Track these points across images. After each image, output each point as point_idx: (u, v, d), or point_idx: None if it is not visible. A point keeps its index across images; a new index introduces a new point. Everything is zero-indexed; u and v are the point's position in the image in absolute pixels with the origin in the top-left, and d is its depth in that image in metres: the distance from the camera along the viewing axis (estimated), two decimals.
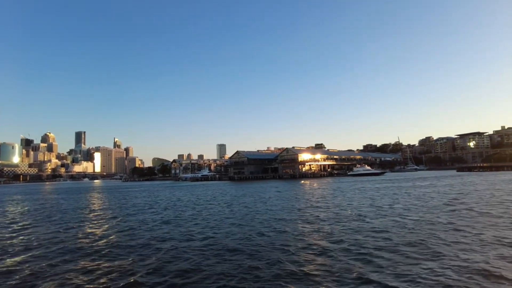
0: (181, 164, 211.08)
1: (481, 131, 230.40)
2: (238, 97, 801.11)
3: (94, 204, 41.03)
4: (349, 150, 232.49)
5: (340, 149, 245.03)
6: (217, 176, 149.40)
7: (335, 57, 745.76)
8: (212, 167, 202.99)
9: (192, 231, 18.29)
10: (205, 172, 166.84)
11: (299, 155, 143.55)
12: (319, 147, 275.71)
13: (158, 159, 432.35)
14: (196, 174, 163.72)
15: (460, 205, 25.34)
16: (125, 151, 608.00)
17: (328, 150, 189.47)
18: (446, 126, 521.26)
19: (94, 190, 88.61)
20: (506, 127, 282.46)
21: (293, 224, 19.51)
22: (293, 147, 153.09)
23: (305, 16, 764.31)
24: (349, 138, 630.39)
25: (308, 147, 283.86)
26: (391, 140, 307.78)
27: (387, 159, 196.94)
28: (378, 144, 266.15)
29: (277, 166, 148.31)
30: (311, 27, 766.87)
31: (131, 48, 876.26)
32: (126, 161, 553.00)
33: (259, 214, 24.53)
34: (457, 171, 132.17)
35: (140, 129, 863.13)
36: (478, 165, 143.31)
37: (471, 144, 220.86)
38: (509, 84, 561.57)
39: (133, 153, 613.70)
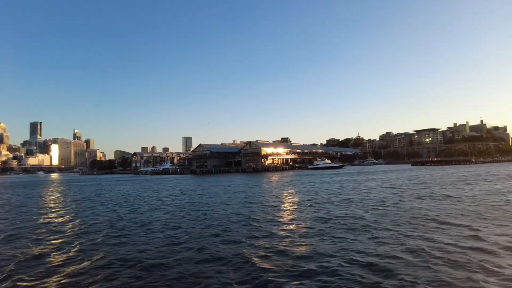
0: (142, 157, 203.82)
1: (437, 127, 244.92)
2: (205, 89, 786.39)
3: None
4: (312, 144, 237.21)
5: (305, 143, 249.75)
6: (178, 169, 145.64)
7: (303, 53, 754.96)
8: (175, 161, 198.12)
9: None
10: (167, 165, 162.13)
11: (263, 148, 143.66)
12: (284, 141, 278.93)
13: (121, 151, 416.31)
14: (157, 168, 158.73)
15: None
16: (85, 143, 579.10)
17: (291, 144, 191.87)
18: (406, 122, 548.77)
19: (30, 185, 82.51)
20: (457, 124, 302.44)
21: (223, 214, 18.36)
22: (257, 141, 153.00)
23: (273, 9, 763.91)
24: (314, 133, 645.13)
25: (275, 141, 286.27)
26: (354, 135, 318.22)
27: (347, 153, 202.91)
28: (341, 139, 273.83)
29: (240, 160, 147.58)
30: (279, 20, 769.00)
31: (95, 31, 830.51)
32: (86, 154, 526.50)
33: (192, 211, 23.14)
34: (412, 165, 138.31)
35: (103, 121, 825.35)
36: (430, 159, 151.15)
37: (427, 139, 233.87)
38: (464, 83, 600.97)
39: (94, 146, 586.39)
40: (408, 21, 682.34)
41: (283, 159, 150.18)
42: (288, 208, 23.13)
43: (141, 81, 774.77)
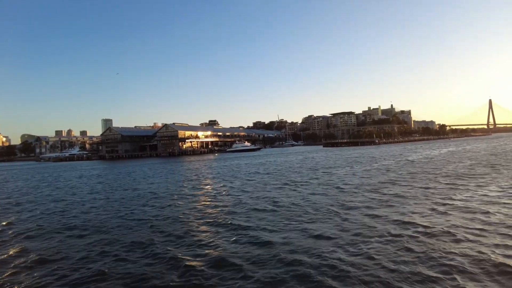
0: (47, 142, 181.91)
1: (356, 111, 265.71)
2: (127, 67, 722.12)
3: None
4: (239, 127, 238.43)
5: (233, 126, 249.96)
6: (84, 155, 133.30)
7: (232, 36, 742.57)
8: (87, 145, 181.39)
9: None
10: (74, 151, 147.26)
11: (180, 131, 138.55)
12: (212, 124, 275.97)
13: (29, 135, 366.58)
14: (62, 153, 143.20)
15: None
16: None
17: (213, 127, 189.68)
18: (332, 106, 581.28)
19: None
20: (371, 108, 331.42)
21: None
22: (174, 123, 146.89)
23: None
24: (244, 116, 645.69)
25: (202, 124, 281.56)
26: (281, 117, 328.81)
27: (270, 135, 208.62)
28: (267, 122, 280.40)
29: (156, 144, 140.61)
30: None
31: None
32: None
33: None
34: (323, 146, 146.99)
35: (6, 102, 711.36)
36: (340, 141, 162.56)
37: (341, 122, 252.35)
38: (383, 69, 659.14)
39: None
40: (328, 7, 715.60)
41: (203, 142, 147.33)
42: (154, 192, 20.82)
43: (59, 60, 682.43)
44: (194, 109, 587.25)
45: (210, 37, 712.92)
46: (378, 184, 21.50)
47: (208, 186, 25.67)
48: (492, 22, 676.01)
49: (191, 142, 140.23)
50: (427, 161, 39.27)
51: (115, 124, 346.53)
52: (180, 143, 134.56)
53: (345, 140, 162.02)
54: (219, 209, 16.04)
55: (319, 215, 13.57)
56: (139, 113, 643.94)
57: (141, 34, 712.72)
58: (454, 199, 15.23)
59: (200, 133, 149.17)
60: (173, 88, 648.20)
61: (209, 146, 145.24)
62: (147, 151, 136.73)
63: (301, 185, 23.32)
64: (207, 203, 18.07)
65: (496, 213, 12.17)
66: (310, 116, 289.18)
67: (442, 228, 10.65)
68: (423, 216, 12.42)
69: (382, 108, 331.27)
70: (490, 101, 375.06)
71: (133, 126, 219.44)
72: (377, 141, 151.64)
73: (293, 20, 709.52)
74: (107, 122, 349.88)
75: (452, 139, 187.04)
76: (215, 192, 22.38)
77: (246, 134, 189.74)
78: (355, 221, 12.26)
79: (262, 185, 24.31)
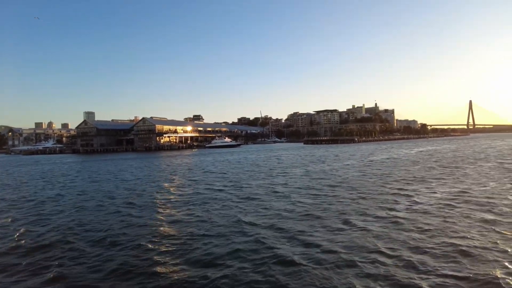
0: (21, 134, 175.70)
1: (340, 109, 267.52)
2: (115, 60, 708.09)
3: None
4: (223, 123, 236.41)
5: (218, 121, 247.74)
6: (57, 148, 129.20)
7: (215, 33, 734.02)
8: (64, 138, 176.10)
9: None
10: (48, 144, 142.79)
11: (158, 126, 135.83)
12: (196, 118, 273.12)
13: (6, 127, 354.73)
14: (34, 146, 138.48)
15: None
16: None
17: (194, 122, 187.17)
18: (320, 103, 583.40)
19: None
20: (356, 106, 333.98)
21: None
22: (152, 117, 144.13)
23: None
24: (229, 111, 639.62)
25: (186, 118, 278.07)
26: (267, 113, 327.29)
27: (252, 132, 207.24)
28: (252, 118, 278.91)
29: (133, 138, 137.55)
30: None
31: None
32: None
33: None
34: (304, 144, 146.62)
35: None
36: (320, 138, 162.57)
37: (324, 119, 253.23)
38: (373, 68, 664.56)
39: None
40: (312, 5, 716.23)
41: (182, 137, 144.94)
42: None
43: (45, 51, 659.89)
44: (181, 103, 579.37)
45: (200, 32, 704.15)
46: (321, 187, 20.45)
47: (131, 188, 24.18)
48: (475, 25, 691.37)
49: (169, 137, 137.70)
50: (388, 162, 38.70)
51: (98, 117, 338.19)
52: (157, 138, 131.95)
53: (326, 138, 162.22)
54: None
55: (217, 224, 12.33)
56: (123, 107, 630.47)
57: (131, 30, 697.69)
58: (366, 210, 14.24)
59: (179, 128, 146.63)
60: (159, 81, 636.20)
61: (188, 142, 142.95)
62: (124, 145, 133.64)
63: (242, 187, 22.10)
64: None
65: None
66: (295, 113, 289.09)
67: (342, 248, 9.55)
68: (330, 231, 11.32)
69: (366, 106, 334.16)
70: (470, 102, 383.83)
71: (117, 119, 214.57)
72: (356, 139, 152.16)
73: (279, 16, 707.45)
74: (89, 115, 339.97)
75: (430, 138, 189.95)
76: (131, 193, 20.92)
77: (228, 130, 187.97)
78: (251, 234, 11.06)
79: (197, 187, 23.00)
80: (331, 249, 9.25)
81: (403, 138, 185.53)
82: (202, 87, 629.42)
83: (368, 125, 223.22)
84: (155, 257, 9.17)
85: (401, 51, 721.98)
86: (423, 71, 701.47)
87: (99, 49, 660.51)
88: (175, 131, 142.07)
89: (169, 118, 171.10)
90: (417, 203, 14.89)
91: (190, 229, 11.89)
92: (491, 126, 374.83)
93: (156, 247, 10.04)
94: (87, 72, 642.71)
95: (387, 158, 44.00)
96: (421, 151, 60.29)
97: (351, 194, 17.75)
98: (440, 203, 14.61)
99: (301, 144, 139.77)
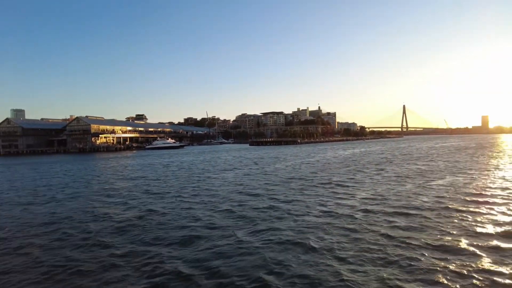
0: None
1: (286, 111, 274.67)
2: (55, 54, 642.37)
3: None
4: (167, 123, 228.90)
5: (163, 121, 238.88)
6: None
7: (168, 31, 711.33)
8: None
9: None
10: None
11: (93, 125, 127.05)
12: (139, 118, 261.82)
13: None
14: None
15: None
16: None
17: (134, 122, 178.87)
18: (265, 104, 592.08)
19: None
20: (300, 109, 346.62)
21: None
22: (87, 116, 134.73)
23: None
24: (176, 111, 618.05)
25: (128, 118, 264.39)
26: (215, 114, 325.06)
27: (199, 132, 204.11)
28: (199, 118, 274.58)
29: (66, 139, 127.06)
30: None
31: None
32: None
33: None
34: (250, 145, 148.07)
35: None
36: (265, 140, 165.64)
37: (271, 121, 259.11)
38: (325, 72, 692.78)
39: None
40: (260, 7, 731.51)
41: (120, 138, 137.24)
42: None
43: None
44: (124, 102, 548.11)
45: (151, 29, 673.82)
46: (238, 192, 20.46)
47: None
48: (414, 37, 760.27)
49: (106, 137, 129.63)
50: (309, 166, 40.41)
51: (29, 116, 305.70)
52: (93, 138, 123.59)
53: (271, 139, 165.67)
54: None
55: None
56: (58, 105, 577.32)
57: (80, 25, 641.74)
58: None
59: (117, 128, 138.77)
60: (100, 79, 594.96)
61: (127, 142, 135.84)
62: (55, 146, 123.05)
63: (153, 195, 21.27)
64: None
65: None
66: (243, 114, 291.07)
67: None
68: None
69: (310, 109, 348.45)
70: (404, 107, 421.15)
71: (48, 119, 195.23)
72: (299, 140, 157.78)
73: (226, 18, 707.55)
74: (17, 113, 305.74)
75: (367, 140, 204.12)
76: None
77: (173, 130, 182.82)
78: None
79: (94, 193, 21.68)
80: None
81: (343, 140, 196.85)
82: (147, 86, 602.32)
83: (311, 127, 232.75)
84: None
85: (346, 56, 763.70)
86: (364, 75, 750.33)
87: (32, 42, 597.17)
88: (113, 131, 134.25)
89: (111, 118, 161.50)
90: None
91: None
92: (422, 129, 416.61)
93: None
94: (17, 65, 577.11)
95: (317, 161, 46.07)
96: (352, 152, 64.27)
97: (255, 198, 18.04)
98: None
99: (247, 145, 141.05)
